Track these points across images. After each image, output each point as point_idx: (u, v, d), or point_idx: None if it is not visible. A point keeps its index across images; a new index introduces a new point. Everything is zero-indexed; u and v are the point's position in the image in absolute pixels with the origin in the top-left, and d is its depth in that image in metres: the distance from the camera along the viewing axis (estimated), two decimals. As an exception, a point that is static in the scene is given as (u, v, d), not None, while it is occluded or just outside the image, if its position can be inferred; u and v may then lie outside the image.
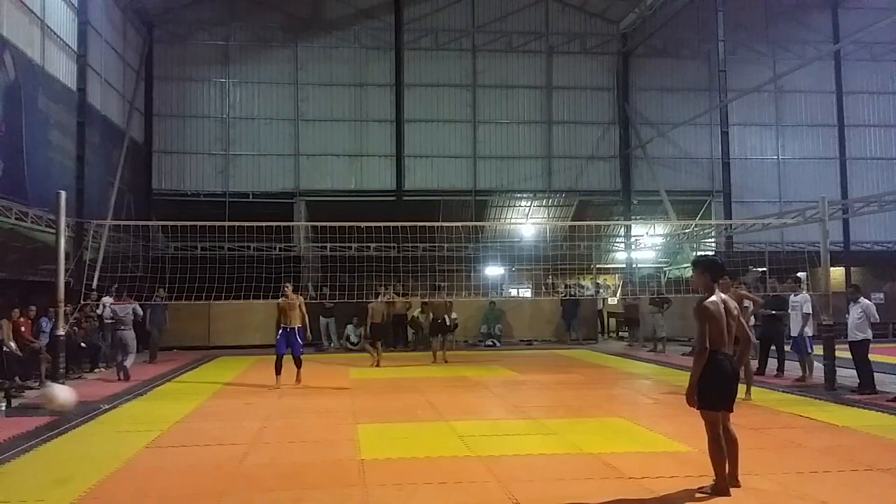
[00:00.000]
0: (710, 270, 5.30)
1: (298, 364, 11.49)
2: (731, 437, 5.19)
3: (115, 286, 14.76)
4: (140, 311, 13.10)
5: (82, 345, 13.14)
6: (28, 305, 11.94)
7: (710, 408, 5.09)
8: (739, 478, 5.24)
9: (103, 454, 6.60)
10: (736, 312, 5.26)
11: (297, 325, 11.41)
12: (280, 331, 11.41)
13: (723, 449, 5.06)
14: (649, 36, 23.84)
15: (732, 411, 5.22)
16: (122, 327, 12.53)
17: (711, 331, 5.07)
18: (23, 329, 11.43)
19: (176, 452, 6.81)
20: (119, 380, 12.10)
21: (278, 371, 11.33)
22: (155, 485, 5.52)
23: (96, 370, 13.43)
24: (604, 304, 22.26)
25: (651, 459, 6.30)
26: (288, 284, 11.68)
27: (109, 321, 13.61)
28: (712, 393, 5.06)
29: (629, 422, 8.12)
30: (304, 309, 11.56)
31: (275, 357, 11.39)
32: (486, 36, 24.35)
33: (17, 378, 10.57)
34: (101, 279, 15.36)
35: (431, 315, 16.80)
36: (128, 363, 12.44)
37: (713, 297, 5.17)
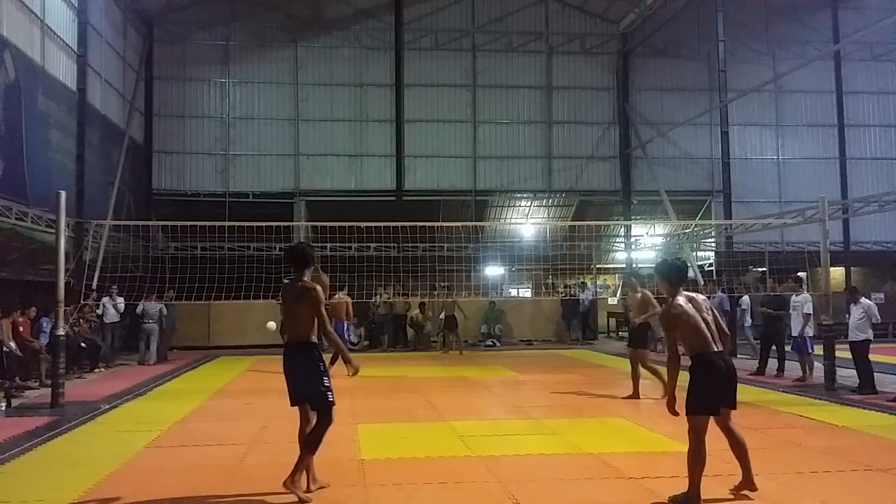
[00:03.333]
0: (668, 275, 5.16)
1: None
2: (737, 439, 5.01)
3: (115, 286, 14.83)
4: (165, 311, 15.38)
5: (82, 345, 13.15)
6: (28, 305, 11.94)
7: (701, 412, 4.89)
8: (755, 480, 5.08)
9: (103, 454, 6.60)
10: (708, 305, 5.09)
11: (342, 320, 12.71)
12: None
13: (704, 458, 4.88)
14: (649, 36, 23.83)
15: (735, 408, 5.01)
16: (149, 321, 15.03)
17: (688, 334, 4.94)
18: (21, 329, 11.42)
19: (176, 452, 6.80)
20: (152, 364, 14.64)
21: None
22: (155, 485, 5.52)
23: (96, 370, 13.44)
24: (591, 305, 21.59)
25: (651, 459, 6.30)
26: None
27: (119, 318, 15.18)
28: (704, 396, 4.88)
29: (629, 422, 8.13)
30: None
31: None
32: (486, 36, 24.34)
33: (17, 378, 10.57)
34: (101, 279, 15.37)
35: (444, 313, 17.52)
36: (151, 354, 14.98)
37: (678, 300, 5.02)
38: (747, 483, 5.04)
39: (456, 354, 17.05)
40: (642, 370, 9.97)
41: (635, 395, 9.88)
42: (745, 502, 5.01)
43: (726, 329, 5.17)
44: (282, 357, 5.30)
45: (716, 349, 4.94)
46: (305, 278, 5.27)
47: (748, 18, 24.46)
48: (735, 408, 5.02)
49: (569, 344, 19.52)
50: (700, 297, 5.18)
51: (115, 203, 19.01)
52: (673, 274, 5.16)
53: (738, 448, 5.03)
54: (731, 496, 5.06)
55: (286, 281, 5.42)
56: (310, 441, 5.14)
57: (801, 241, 22.30)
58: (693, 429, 4.91)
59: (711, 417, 4.96)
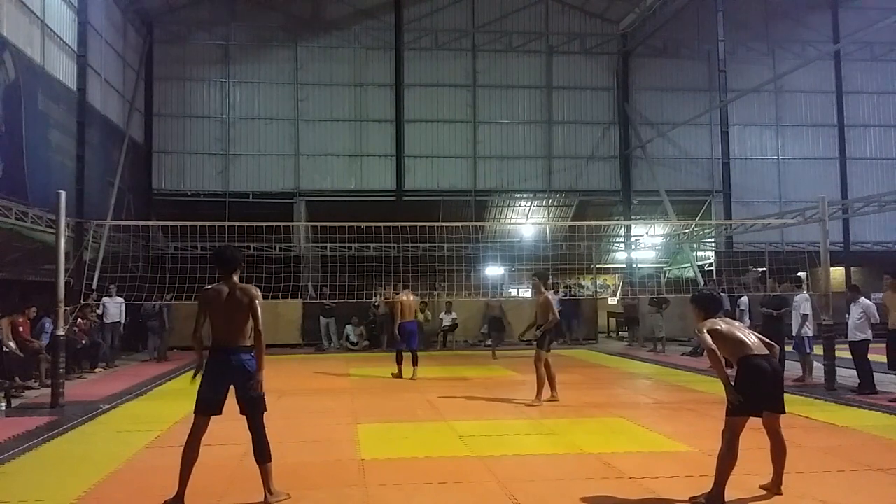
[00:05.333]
0: (703, 306, 5.30)
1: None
2: (780, 444, 5.13)
3: (114, 286, 14.84)
4: (157, 308, 15.68)
5: (83, 341, 13.18)
6: (28, 305, 11.93)
7: (740, 413, 4.91)
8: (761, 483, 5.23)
9: (103, 454, 6.60)
10: (737, 324, 5.27)
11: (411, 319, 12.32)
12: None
13: (734, 460, 4.89)
14: (649, 36, 23.84)
15: (783, 412, 5.11)
16: (150, 320, 15.90)
17: (727, 344, 5.02)
18: (21, 329, 11.41)
19: (176, 452, 6.73)
20: (155, 360, 15.46)
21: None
22: (155, 485, 5.51)
23: (96, 370, 13.45)
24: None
25: (651, 459, 6.30)
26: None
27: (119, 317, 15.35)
28: (745, 398, 4.90)
29: (629, 422, 8.12)
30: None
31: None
32: (486, 36, 24.35)
33: (17, 378, 10.57)
34: (101, 279, 15.39)
35: (489, 314, 17.05)
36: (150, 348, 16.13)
37: (711, 323, 5.15)
38: (776, 485, 5.19)
39: (500, 355, 16.30)
40: (551, 370, 9.59)
41: (553, 396, 9.55)
42: (747, 502, 5.03)
43: (770, 342, 5.25)
44: (210, 361, 5.04)
45: (759, 353, 5.02)
46: (235, 280, 5.11)
47: (748, 18, 24.49)
48: (783, 411, 5.12)
49: (569, 344, 19.51)
50: (736, 322, 5.44)
51: (115, 203, 19.02)
52: (709, 305, 5.34)
53: (779, 453, 5.17)
54: (740, 495, 5.10)
55: (214, 285, 5.15)
56: (266, 452, 5.12)
57: (801, 241, 22.33)
58: (729, 429, 4.93)
59: (761, 420, 5.09)
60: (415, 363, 12.13)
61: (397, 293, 12.75)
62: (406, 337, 12.18)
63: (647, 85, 24.93)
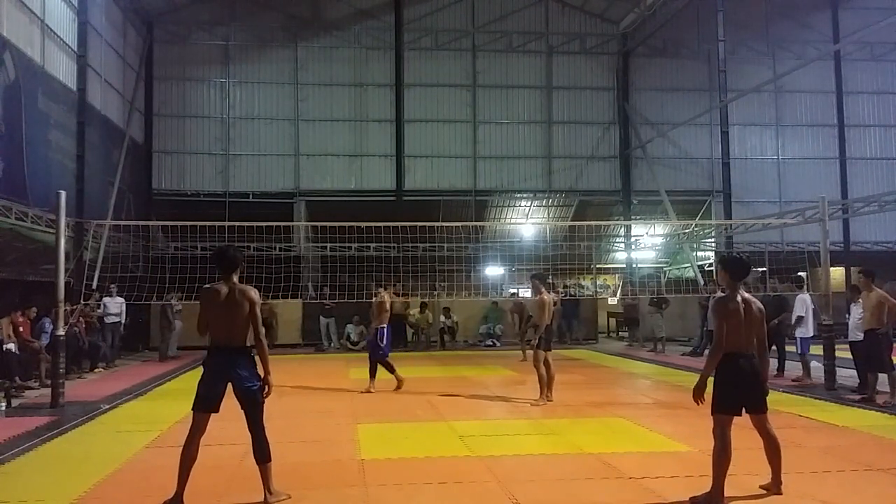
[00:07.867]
0: (730, 269, 5.20)
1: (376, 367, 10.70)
2: (771, 442, 5.11)
3: (114, 285, 14.85)
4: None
5: (81, 344, 13.16)
6: (28, 305, 11.93)
7: (724, 411, 4.93)
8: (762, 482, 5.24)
9: (103, 454, 6.60)
10: (760, 314, 5.10)
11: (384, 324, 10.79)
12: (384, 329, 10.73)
13: (728, 457, 4.89)
14: (649, 36, 23.84)
15: (764, 412, 5.07)
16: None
17: (728, 331, 4.96)
18: (21, 329, 11.41)
19: (176, 452, 6.74)
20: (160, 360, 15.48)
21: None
22: (155, 485, 5.51)
23: (96, 370, 13.44)
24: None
25: (651, 459, 6.30)
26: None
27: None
28: (727, 396, 4.92)
29: (629, 422, 8.12)
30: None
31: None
32: (486, 36, 24.35)
33: (17, 378, 10.57)
34: (101, 279, 15.39)
35: (518, 315, 16.60)
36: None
37: (736, 297, 5.05)
38: (775, 485, 5.18)
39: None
40: (542, 369, 9.44)
41: (548, 397, 9.45)
42: (747, 502, 5.03)
43: (766, 342, 5.21)
44: (209, 360, 5.15)
45: (745, 352, 5.00)
46: (235, 281, 5.14)
47: (748, 18, 24.48)
48: (763, 411, 5.07)
49: (569, 344, 19.52)
50: (757, 303, 5.13)
51: (115, 203, 19.01)
52: (737, 268, 5.19)
53: (773, 452, 5.14)
54: (740, 495, 5.11)
55: (213, 284, 5.18)
56: (266, 452, 5.15)
57: (801, 241, 22.31)
58: (718, 426, 4.95)
59: (750, 419, 5.08)
60: (372, 375, 10.56)
61: (377, 294, 11.10)
62: (387, 342, 10.76)
63: (647, 85, 24.92)
